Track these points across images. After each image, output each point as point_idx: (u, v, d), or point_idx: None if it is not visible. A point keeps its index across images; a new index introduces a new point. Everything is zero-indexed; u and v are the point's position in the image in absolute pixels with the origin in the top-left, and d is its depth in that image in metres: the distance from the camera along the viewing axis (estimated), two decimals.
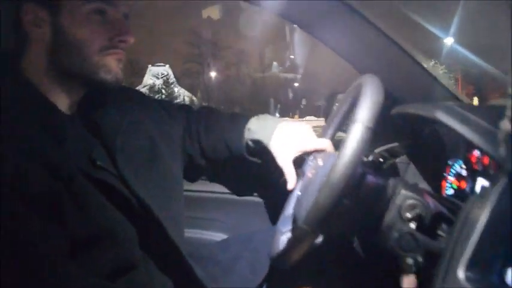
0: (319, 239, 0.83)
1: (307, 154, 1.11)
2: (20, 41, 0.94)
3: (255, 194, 1.59)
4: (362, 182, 0.87)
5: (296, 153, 1.12)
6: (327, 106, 1.56)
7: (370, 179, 0.88)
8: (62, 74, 0.94)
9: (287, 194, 1.14)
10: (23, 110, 0.87)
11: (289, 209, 1.09)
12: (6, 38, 0.97)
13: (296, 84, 47.18)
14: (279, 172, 1.15)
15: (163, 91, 39.92)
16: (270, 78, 47.96)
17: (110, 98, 1.05)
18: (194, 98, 47.18)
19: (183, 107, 1.33)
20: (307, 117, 35.02)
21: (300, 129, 1.14)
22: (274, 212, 1.48)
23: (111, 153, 0.98)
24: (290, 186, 1.10)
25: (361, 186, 0.87)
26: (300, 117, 39.07)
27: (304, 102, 46.68)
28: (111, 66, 0.95)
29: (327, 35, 1.33)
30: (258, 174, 1.34)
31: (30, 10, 0.91)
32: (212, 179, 1.52)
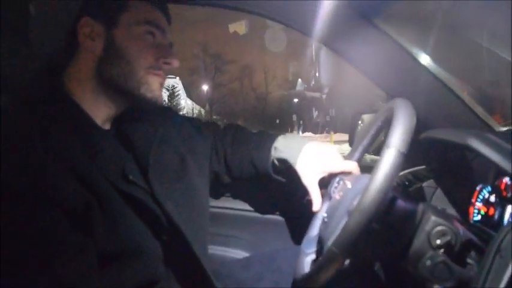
0: (346, 263, 0.83)
1: (333, 176, 1.11)
2: (70, 51, 1.00)
3: (278, 213, 1.59)
4: (391, 206, 0.86)
5: (322, 174, 1.12)
6: (350, 126, 1.56)
7: (399, 203, 0.87)
8: (106, 85, 0.99)
9: (311, 213, 1.14)
10: (61, 122, 0.89)
11: (314, 230, 1.08)
12: (56, 46, 1.03)
13: (295, 100, 47.31)
14: (303, 191, 1.15)
15: (168, 103, 40.24)
16: (296, 95, 48.08)
17: (143, 114, 1.08)
18: (202, 110, 48.00)
19: (211, 124, 1.35)
20: (306, 133, 35.23)
21: (326, 151, 1.14)
22: (297, 231, 1.48)
23: (143, 169, 1.00)
24: (316, 207, 1.10)
25: (390, 210, 0.86)
26: (297, 133, 39.35)
27: (294, 118, 46.93)
28: (153, 86, 1.01)
29: (356, 57, 1.33)
30: (282, 193, 1.34)
31: (87, 23, 0.97)
32: (236, 196, 1.52)
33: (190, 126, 1.24)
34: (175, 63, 1.04)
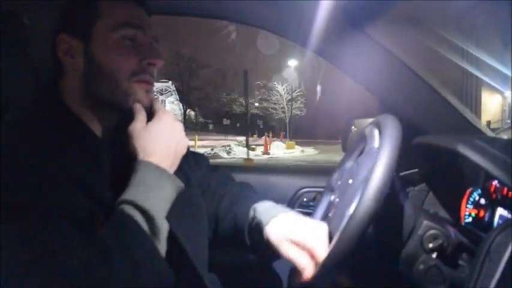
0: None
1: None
2: (56, 70, 0.97)
3: None
4: (384, 211, 0.88)
5: (290, 241, 0.94)
6: (343, 131, 1.59)
7: (392, 208, 0.90)
8: (96, 102, 0.96)
9: None
10: (64, 136, 0.89)
11: None
12: (44, 67, 1.02)
13: (257, 104, 47.73)
14: None
15: None
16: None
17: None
18: (192, 113, 48.26)
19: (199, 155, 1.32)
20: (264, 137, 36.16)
21: (302, 223, 0.98)
22: None
23: None
24: (306, 275, 0.89)
25: (383, 215, 0.88)
26: (258, 137, 39.96)
27: (261, 125, 47.52)
28: (141, 96, 0.96)
29: (348, 64, 1.36)
30: None
31: (63, 40, 0.93)
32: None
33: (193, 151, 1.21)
34: (160, 62, 0.98)
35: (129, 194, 0.86)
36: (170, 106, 46.76)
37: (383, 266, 1.05)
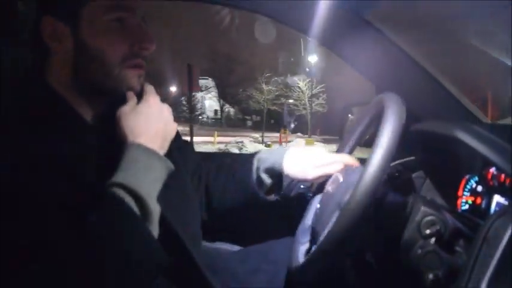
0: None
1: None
2: (41, 54, 0.94)
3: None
4: (382, 198, 0.89)
5: (316, 168, 1.12)
6: (340, 119, 1.58)
7: (390, 194, 0.90)
8: (86, 87, 0.94)
9: (303, 205, 1.16)
10: (51, 120, 0.87)
11: (308, 220, 1.11)
12: (28, 51, 1.00)
13: (290, 101, 47.27)
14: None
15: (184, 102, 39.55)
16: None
17: None
18: (231, 110, 48.70)
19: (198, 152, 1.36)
20: (298, 133, 36.00)
21: (312, 148, 1.15)
22: (291, 222, 1.50)
23: None
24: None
25: (381, 202, 0.88)
26: (292, 133, 39.19)
27: (292, 122, 46.91)
28: (132, 82, 0.95)
29: (347, 51, 1.35)
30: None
31: (48, 23, 0.89)
32: None
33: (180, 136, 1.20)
34: (152, 46, 0.95)
35: (119, 176, 0.84)
36: (209, 102, 47.41)
37: (381, 251, 1.06)
